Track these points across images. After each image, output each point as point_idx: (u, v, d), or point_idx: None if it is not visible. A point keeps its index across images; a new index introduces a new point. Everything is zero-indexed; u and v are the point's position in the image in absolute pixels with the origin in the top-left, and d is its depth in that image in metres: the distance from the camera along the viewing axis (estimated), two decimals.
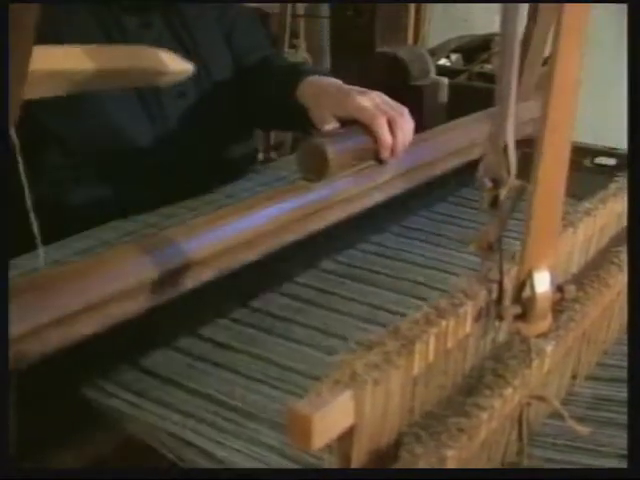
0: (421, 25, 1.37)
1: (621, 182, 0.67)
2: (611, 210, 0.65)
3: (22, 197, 0.57)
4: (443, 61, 1.45)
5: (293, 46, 1.97)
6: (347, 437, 0.38)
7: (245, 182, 0.97)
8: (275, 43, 1.70)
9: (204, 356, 0.64)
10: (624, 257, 0.61)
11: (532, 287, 0.45)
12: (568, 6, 0.41)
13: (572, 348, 0.57)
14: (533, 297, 0.45)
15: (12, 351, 0.47)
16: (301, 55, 1.94)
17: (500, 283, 0.46)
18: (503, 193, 0.44)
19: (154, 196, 0.85)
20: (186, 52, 0.93)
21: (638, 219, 0.55)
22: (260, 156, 1.45)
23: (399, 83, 1.29)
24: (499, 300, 0.46)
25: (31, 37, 0.41)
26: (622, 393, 0.60)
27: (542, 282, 0.45)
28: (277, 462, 0.50)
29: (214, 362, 0.63)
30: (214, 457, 0.52)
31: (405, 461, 0.39)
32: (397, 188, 0.84)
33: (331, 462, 0.39)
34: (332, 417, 0.36)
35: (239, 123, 1.02)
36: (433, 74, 1.32)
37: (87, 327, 0.54)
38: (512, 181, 0.43)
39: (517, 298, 0.46)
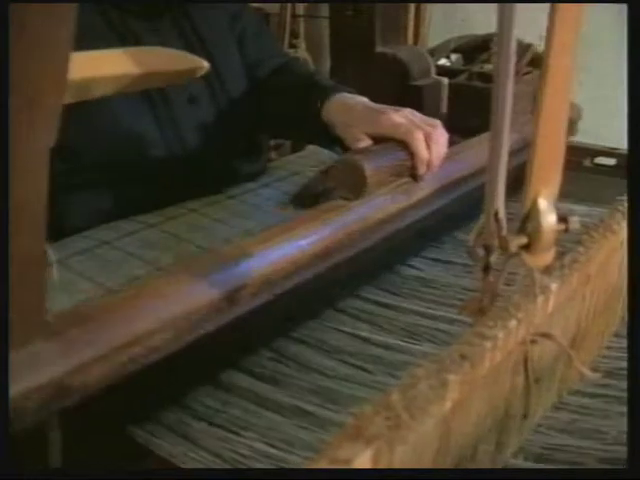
0: (421, 25, 1.37)
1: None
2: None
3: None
4: (443, 61, 1.45)
5: (293, 46, 1.97)
6: None
7: (246, 182, 0.97)
8: None
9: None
10: None
11: (537, 216, 0.45)
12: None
13: (577, 292, 0.57)
14: (539, 226, 0.45)
15: (57, 388, 0.47)
16: (301, 55, 1.94)
17: (496, 214, 0.46)
18: (494, 259, 0.45)
19: (159, 202, 0.85)
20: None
21: (638, 221, 0.55)
22: None
23: (399, 83, 1.29)
24: (499, 229, 0.46)
25: (70, 42, 0.40)
26: None
27: (547, 211, 0.46)
28: None
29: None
30: None
31: (406, 383, 0.38)
32: (434, 205, 0.84)
33: None
34: None
35: (253, 130, 1.02)
36: (433, 74, 1.31)
37: (133, 363, 0.53)
38: (504, 247, 0.44)
39: (522, 228, 0.46)
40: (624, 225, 0.61)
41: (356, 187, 0.74)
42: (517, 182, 0.47)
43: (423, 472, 0.41)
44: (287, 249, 0.66)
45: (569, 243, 0.56)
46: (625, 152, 1.03)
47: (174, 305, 0.56)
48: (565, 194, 0.50)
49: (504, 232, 0.44)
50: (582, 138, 1.11)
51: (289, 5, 1.94)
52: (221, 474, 0.53)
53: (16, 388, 0.43)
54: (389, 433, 0.34)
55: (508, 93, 0.40)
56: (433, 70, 1.32)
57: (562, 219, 0.47)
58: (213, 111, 0.94)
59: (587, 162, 1.09)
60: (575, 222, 0.48)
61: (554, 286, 0.50)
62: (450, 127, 1.01)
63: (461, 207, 0.90)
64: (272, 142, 1.80)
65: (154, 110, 0.89)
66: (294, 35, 1.97)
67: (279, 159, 1.47)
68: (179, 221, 0.83)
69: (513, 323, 0.45)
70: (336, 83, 0.95)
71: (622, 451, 0.53)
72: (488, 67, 1.39)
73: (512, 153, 0.44)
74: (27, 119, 0.39)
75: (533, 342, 0.49)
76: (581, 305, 0.59)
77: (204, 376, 0.63)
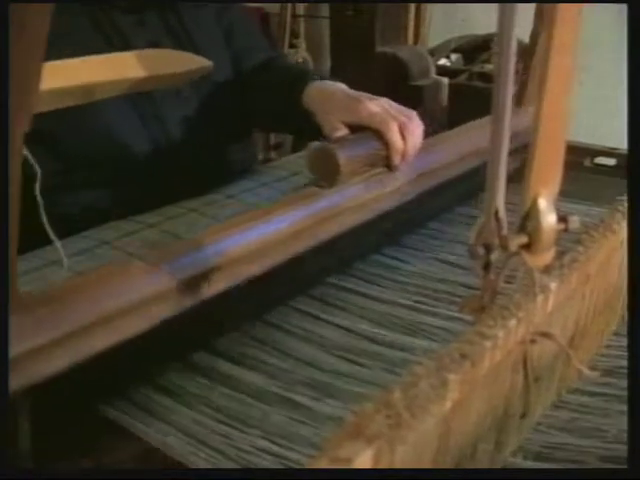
0: (421, 25, 1.37)
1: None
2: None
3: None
4: (443, 61, 1.45)
5: (293, 46, 1.97)
6: None
7: (246, 182, 0.97)
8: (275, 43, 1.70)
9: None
10: None
11: (537, 215, 0.45)
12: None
13: (576, 291, 0.57)
14: (539, 225, 0.45)
15: (26, 366, 0.48)
16: (301, 55, 1.94)
17: (496, 213, 0.46)
18: (495, 258, 0.45)
19: (151, 200, 0.85)
20: (183, 52, 0.93)
21: (638, 221, 0.55)
22: (260, 156, 1.45)
23: (399, 83, 1.29)
24: (499, 228, 0.46)
25: (43, 41, 0.40)
26: None
27: (547, 210, 0.46)
28: None
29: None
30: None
31: (407, 382, 0.38)
32: (408, 194, 0.84)
33: None
34: None
35: (239, 124, 1.02)
36: (433, 74, 1.32)
37: (101, 342, 0.54)
38: (504, 246, 0.44)
39: (522, 228, 0.46)
40: (624, 225, 0.61)
41: (330, 175, 0.75)
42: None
43: (423, 472, 0.41)
44: (256, 233, 0.67)
45: (569, 243, 0.56)
46: (625, 152, 1.03)
47: (141, 287, 0.57)
48: (565, 194, 0.50)
49: (504, 231, 0.44)
50: (582, 138, 1.11)
51: (289, 5, 1.94)
52: (221, 474, 0.53)
53: None
54: (390, 432, 0.34)
55: (508, 93, 0.40)
56: (433, 70, 1.32)
57: (562, 219, 0.47)
58: (199, 105, 0.95)
59: (587, 162, 1.09)
60: (575, 222, 0.48)
61: (554, 285, 0.50)
62: (450, 127, 1.01)
63: (435, 198, 0.91)
64: (272, 142, 1.81)
65: (139, 106, 0.89)
66: (294, 35, 1.97)
67: (279, 159, 1.47)
68: (178, 221, 0.83)
69: (513, 322, 0.45)
70: (319, 72, 0.95)
71: (622, 450, 0.53)
72: (488, 67, 1.39)
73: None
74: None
75: (533, 341, 0.50)
76: (581, 304, 0.59)
77: (173, 357, 0.64)
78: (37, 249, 0.80)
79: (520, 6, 0.41)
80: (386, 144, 0.79)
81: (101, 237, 0.79)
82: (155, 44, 0.90)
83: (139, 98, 0.88)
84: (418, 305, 0.74)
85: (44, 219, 0.57)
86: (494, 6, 0.41)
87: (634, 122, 0.56)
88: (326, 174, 0.75)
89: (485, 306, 0.47)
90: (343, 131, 0.82)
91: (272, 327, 0.71)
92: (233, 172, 0.98)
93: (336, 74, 1.32)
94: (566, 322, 0.57)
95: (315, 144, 0.85)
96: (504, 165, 0.43)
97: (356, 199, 0.78)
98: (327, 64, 1.62)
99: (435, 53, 1.46)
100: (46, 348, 0.50)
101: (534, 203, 0.46)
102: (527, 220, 0.46)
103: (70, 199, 0.87)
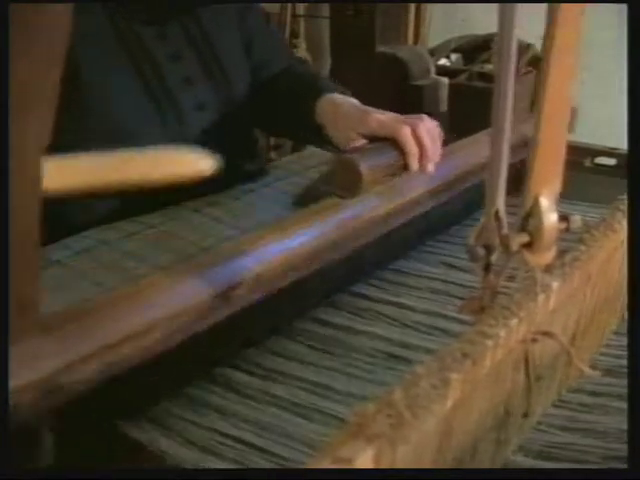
0: (421, 25, 1.37)
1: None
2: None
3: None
4: (443, 61, 1.45)
5: (293, 46, 1.97)
6: None
7: (248, 183, 0.97)
8: None
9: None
10: None
11: (539, 214, 0.45)
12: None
13: (577, 290, 0.57)
14: (540, 225, 0.45)
15: (51, 385, 0.47)
16: (301, 55, 1.94)
17: (497, 213, 0.46)
18: (495, 259, 0.45)
19: (158, 203, 0.85)
20: (205, 63, 0.93)
21: (638, 221, 0.55)
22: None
23: (399, 83, 1.29)
24: (499, 227, 0.46)
25: (62, 48, 0.39)
26: None
27: (548, 210, 0.46)
28: None
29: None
30: None
31: (408, 381, 0.38)
32: (429, 204, 0.85)
33: None
34: None
35: (254, 132, 1.03)
36: (433, 74, 1.32)
37: (128, 360, 0.53)
38: (505, 245, 0.44)
39: (524, 227, 0.46)
40: (625, 224, 0.61)
41: (352, 186, 0.75)
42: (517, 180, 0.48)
43: (424, 472, 0.41)
44: (280, 247, 0.67)
45: (571, 242, 0.56)
46: (625, 152, 1.03)
47: (168, 303, 0.57)
48: (565, 194, 0.50)
49: (505, 231, 0.44)
50: (582, 138, 1.11)
51: (289, 5, 1.94)
52: (222, 474, 0.53)
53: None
54: (391, 432, 0.34)
55: (509, 93, 0.40)
56: (433, 70, 1.32)
57: (563, 218, 0.47)
58: (219, 115, 0.94)
59: (587, 162, 1.09)
60: (576, 221, 0.48)
61: (555, 285, 0.50)
62: (450, 127, 1.01)
63: (456, 206, 0.91)
64: (272, 142, 1.81)
65: (162, 116, 0.89)
66: (294, 35, 1.97)
67: (279, 159, 1.47)
68: (180, 221, 0.83)
69: (514, 321, 0.45)
70: (331, 83, 0.95)
71: (623, 449, 0.53)
72: (488, 67, 1.39)
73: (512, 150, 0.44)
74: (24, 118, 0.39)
75: (534, 340, 0.50)
76: (582, 303, 0.60)
77: (198, 373, 0.63)
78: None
79: (520, 6, 0.41)
80: (402, 150, 0.78)
81: (101, 237, 0.79)
82: (176, 57, 0.91)
83: (165, 108, 0.88)
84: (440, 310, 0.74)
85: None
86: (494, 6, 0.41)
87: (634, 122, 0.56)
88: (347, 185, 0.75)
89: (485, 307, 0.47)
90: (359, 142, 0.82)
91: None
92: (243, 178, 0.98)
93: (336, 74, 1.32)
94: (567, 321, 0.57)
95: (334, 155, 0.85)
96: (504, 165, 0.43)
97: (377, 209, 0.77)
98: (327, 64, 1.62)
99: (435, 53, 1.46)
100: (74, 365, 0.49)
101: (535, 202, 0.46)
102: (528, 219, 0.46)
103: (74, 204, 0.87)
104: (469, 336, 0.43)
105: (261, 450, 0.54)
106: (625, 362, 0.64)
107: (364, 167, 0.75)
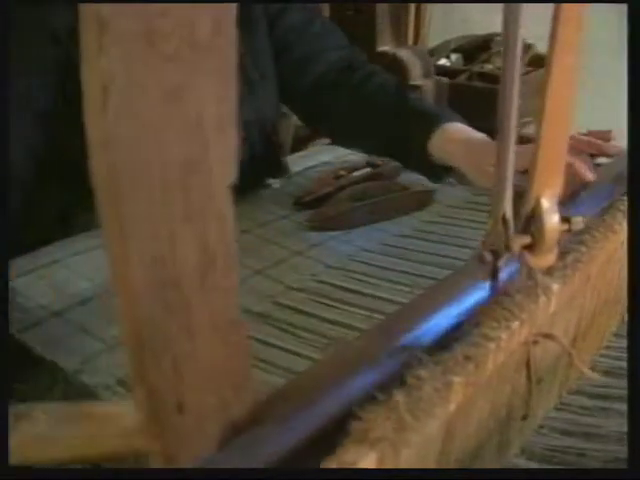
0: (421, 25, 1.37)
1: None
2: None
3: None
4: (443, 61, 1.45)
5: None
6: None
7: None
8: None
9: None
10: None
11: (541, 216, 0.45)
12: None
13: (578, 292, 0.57)
14: (542, 226, 0.45)
15: None
16: None
17: (504, 217, 0.45)
18: (503, 264, 0.45)
19: None
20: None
21: (638, 221, 0.55)
22: None
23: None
24: (506, 231, 0.45)
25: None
26: None
27: (550, 211, 0.46)
28: None
29: None
30: None
31: (410, 385, 0.38)
32: None
33: None
34: None
35: (278, 140, 1.02)
36: (433, 74, 1.32)
37: None
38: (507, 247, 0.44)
39: (525, 228, 0.46)
40: (625, 225, 0.61)
41: None
42: None
43: (426, 472, 0.40)
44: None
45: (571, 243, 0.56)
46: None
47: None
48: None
49: (512, 232, 0.44)
50: None
51: None
52: (223, 473, 0.53)
53: None
54: (394, 435, 0.34)
55: (515, 94, 0.40)
56: (433, 70, 1.32)
57: (565, 219, 0.47)
58: (245, 130, 0.94)
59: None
60: (579, 222, 0.48)
61: (556, 286, 0.50)
62: None
63: None
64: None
65: None
66: None
67: None
68: None
69: (516, 324, 0.45)
70: (438, 106, 0.91)
71: (623, 451, 0.53)
72: (488, 67, 1.39)
73: None
74: None
75: (535, 342, 0.49)
76: (582, 305, 0.59)
77: None
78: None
79: (525, 6, 0.40)
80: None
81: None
82: None
83: None
84: None
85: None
86: (494, 6, 0.41)
87: (634, 122, 0.56)
88: None
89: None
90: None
91: None
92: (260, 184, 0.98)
93: None
94: (568, 323, 0.57)
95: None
96: (511, 167, 0.42)
97: None
98: None
99: (435, 53, 1.46)
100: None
101: (537, 203, 0.46)
102: (530, 221, 0.46)
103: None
104: (471, 339, 0.42)
105: None
106: (625, 364, 0.64)
107: None
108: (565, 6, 0.42)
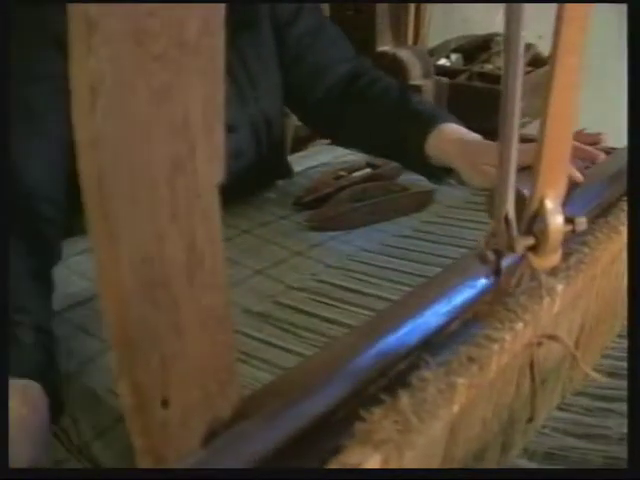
0: (421, 25, 1.36)
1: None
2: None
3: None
4: (443, 61, 1.45)
5: None
6: None
7: None
8: None
9: None
10: None
11: (545, 216, 0.45)
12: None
13: (582, 293, 0.56)
14: (546, 227, 0.45)
15: None
16: None
17: (506, 217, 0.45)
18: (505, 264, 0.44)
19: None
20: (237, 84, 0.91)
21: (638, 221, 0.55)
22: None
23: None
24: (509, 232, 0.45)
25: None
26: None
27: (554, 212, 0.46)
28: None
29: None
30: None
31: (415, 387, 0.38)
32: None
33: None
34: None
35: (284, 145, 1.02)
36: (433, 74, 1.31)
37: None
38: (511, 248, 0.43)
39: (529, 229, 0.46)
40: None
41: None
42: None
43: (428, 472, 0.40)
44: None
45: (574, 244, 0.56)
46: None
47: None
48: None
49: (514, 233, 0.44)
50: None
51: None
52: (224, 474, 0.52)
53: None
54: (398, 437, 0.34)
55: (517, 94, 0.40)
56: (433, 70, 1.32)
57: (569, 220, 0.47)
58: (249, 136, 0.93)
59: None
60: (582, 223, 0.47)
61: (560, 288, 0.50)
62: None
63: None
64: None
65: None
66: None
67: None
68: None
69: (520, 325, 0.45)
70: (435, 108, 0.91)
71: (624, 451, 0.53)
72: (488, 67, 1.39)
73: None
74: None
75: (539, 344, 0.49)
76: (586, 306, 0.59)
77: None
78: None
79: (527, 6, 0.40)
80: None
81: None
82: None
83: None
84: None
85: None
86: (494, 6, 0.41)
87: (634, 122, 0.56)
88: None
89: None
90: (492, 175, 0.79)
91: None
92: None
93: None
94: (572, 324, 0.57)
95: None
96: (514, 167, 0.42)
97: None
98: None
99: (435, 53, 1.46)
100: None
101: (541, 204, 0.45)
102: (534, 222, 0.46)
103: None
104: (475, 340, 0.42)
105: None
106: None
107: None
108: (569, 6, 0.42)
